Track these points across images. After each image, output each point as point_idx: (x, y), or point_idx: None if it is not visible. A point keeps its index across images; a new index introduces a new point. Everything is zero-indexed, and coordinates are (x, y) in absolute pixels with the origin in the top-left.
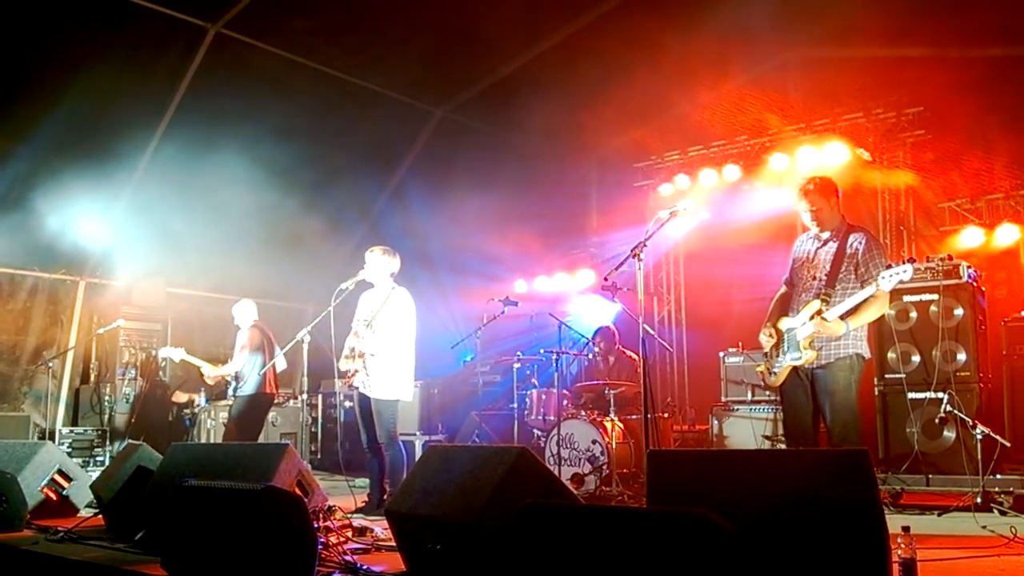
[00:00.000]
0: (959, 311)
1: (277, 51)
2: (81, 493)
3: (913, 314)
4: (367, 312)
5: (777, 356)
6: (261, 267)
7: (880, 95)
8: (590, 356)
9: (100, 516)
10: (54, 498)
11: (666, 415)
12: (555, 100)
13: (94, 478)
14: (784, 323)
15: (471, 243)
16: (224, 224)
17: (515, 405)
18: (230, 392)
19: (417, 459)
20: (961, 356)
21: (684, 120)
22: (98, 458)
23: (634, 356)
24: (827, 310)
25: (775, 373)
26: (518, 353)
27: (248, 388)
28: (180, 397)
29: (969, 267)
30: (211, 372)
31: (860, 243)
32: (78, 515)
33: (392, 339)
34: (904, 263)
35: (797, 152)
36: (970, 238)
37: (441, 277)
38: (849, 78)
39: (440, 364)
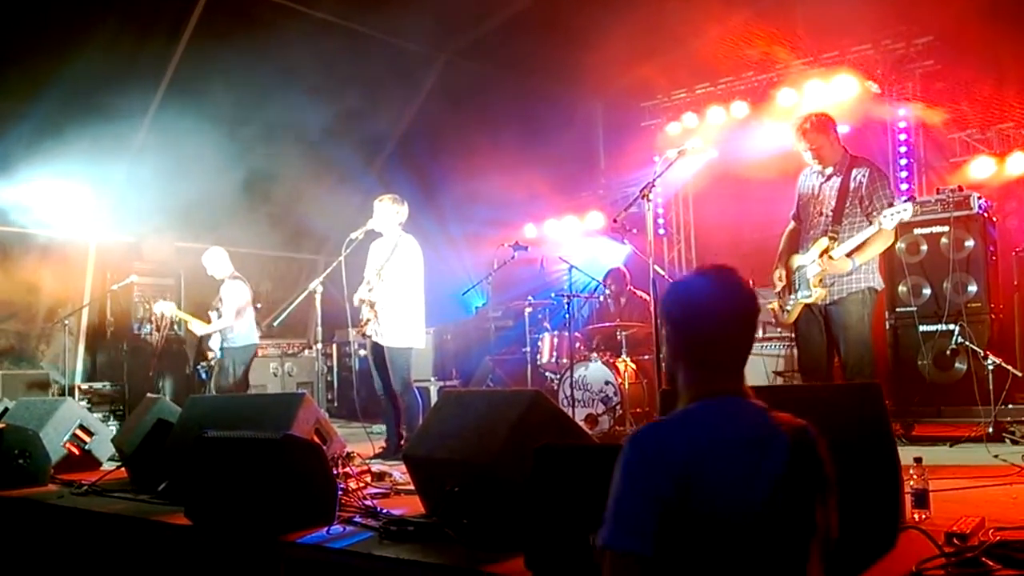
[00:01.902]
0: (970, 242)
1: (276, 0)
2: (103, 447)
3: (924, 247)
4: (377, 261)
5: (789, 294)
6: (270, 219)
7: (889, 25)
8: (601, 298)
9: (122, 469)
10: (76, 453)
11: None
12: (559, 40)
13: (115, 432)
14: (795, 261)
15: (479, 188)
16: (231, 177)
17: (528, 349)
18: (219, 344)
19: (433, 405)
20: (972, 288)
21: (691, 57)
22: (117, 413)
23: (645, 296)
24: (835, 247)
25: (788, 311)
26: (529, 297)
27: (239, 339)
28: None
29: (980, 198)
30: (200, 330)
31: (864, 176)
32: (101, 468)
33: (401, 287)
34: (905, 201)
35: (805, 86)
36: (981, 169)
37: (450, 224)
38: (859, 8)
39: (452, 311)
